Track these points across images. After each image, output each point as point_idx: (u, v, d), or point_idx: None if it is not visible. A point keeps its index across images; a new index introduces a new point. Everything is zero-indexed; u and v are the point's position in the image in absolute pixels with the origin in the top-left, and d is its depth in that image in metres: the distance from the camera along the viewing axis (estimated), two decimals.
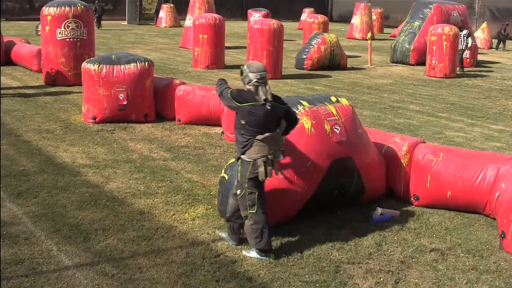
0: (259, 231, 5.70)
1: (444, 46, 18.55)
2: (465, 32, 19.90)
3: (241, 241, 6.00)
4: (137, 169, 8.41)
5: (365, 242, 6.26)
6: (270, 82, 17.43)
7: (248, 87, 5.73)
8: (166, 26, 34.41)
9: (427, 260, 5.92)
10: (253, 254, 5.79)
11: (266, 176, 5.64)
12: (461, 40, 19.67)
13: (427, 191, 7.24)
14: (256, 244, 5.73)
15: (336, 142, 6.68)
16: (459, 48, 19.61)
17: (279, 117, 5.78)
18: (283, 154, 5.82)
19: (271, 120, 5.69)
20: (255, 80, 5.67)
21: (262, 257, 5.74)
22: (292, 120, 5.96)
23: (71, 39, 14.44)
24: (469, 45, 19.97)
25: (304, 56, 19.21)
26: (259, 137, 5.61)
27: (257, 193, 5.71)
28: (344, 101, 7.10)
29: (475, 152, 7.76)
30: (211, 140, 10.13)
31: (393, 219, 6.88)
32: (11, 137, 9.82)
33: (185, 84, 11.65)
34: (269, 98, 5.62)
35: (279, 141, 5.77)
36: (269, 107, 5.62)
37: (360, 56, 23.48)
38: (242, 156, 5.71)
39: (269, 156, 5.63)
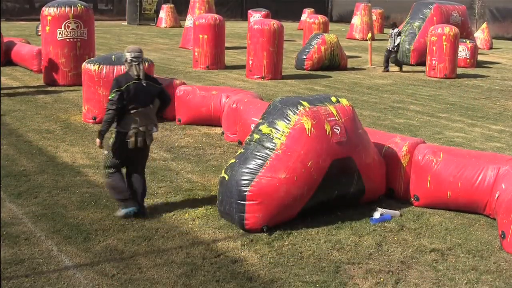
0: (115, 185, 6.60)
1: (444, 46, 18.54)
2: (396, 30, 19.32)
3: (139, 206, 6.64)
4: None
5: (365, 242, 6.27)
6: (270, 82, 17.45)
7: (125, 65, 6.64)
8: (166, 27, 34.39)
9: (427, 260, 5.92)
10: (121, 212, 6.60)
11: (136, 145, 6.46)
12: (393, 39, 19.24)
13: (427, 191, 7.24)
14: (115, 196, 6.65)
15: (336, 143, 6.69)
16: (389, 49, 19.31)
17: (153, 95, 6.63)
18: (157, 127, 6.72)
19: (145, 96, 6.53)
20: (130, 58, 6.54)
21: (128, 210, 6.55)
22: (165, 99, 6.80)
23: (71, 40, 14.44)
24: (397, 43, 19.25)
25: (304, 57, 19.20)
26: (132, 111, 6.44)
27: (117, 158, 6.57)
28: (344, 101, 7.11)
29: (475, 153, 7.76)
30: (211, 141, 10.13)
31: (393, 219, 6.88)
32: (11, 137, 9.82)
33: (185, 84, 11.66)
34: (141, 75, 6.50)
35: (152, 116, 6.65)
36: (144, 84, 6.50)
37: (360, 57, 23.48)
38: (117, 127, 6.53)
39: (140, 128, 6.47)
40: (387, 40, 19.89)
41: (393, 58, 19.55)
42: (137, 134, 6.47)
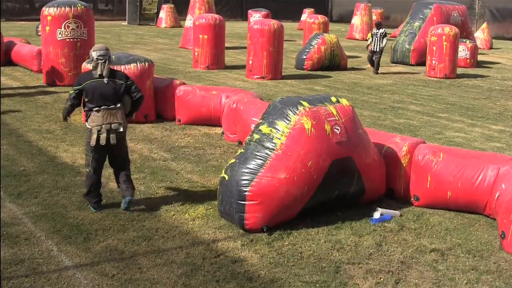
0: (89, 187, 6.81)
1: (444, 46, 18.55)
2: (382, 31, 18.70)
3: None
4: (137, 169, 8.40)
5: (365, 242, 6.27)
6: (270, 82, 17.44)
7: (92, 63, 6.74)
8: (166, 27, 34.40)
9: (427, 260, 5.92)
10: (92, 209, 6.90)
11: (97, 142, 6.59)
12: (376, 39, 18.60)
13: (427, 191, 7.24)
14: (84, 194, 6.90)
15: (336, 143, 6.69)
16: (373, 49, 18.67)
17: (118, 92, 6.69)
18: (123, 127, 6.71)
19: (109, 94, 6.63)
20: (95, 57, 6.66)
21: (91, 208, 6.82)
22: (134, 96, 6.83)
23: (71, 40, 14.44)
24: (383, 45, 18.64)
25: (304, 57, 19.21)
26: (96, 109, 6.61)
27: (91, 156, 6.73)
28: (344, 101, 7.11)
29: (475, 153, 7.76)
30: (211, 141, 10.13)
31: (393, 219, 6.88)
32: (12, 137, 9.82)
33: (185, 84, 11.65)
34: (104, 73, 6.62)
35: (117, 114, 6.68)
36: (106, 81, 6.61)
37: (360, 57, 23.48)
38: (86, 124, 6.76)
39: (103, 126, 6.58)
40: (388, 40, 19.61)
41: (377, 58, 18.89)
42: (99, 131, 6.60)
